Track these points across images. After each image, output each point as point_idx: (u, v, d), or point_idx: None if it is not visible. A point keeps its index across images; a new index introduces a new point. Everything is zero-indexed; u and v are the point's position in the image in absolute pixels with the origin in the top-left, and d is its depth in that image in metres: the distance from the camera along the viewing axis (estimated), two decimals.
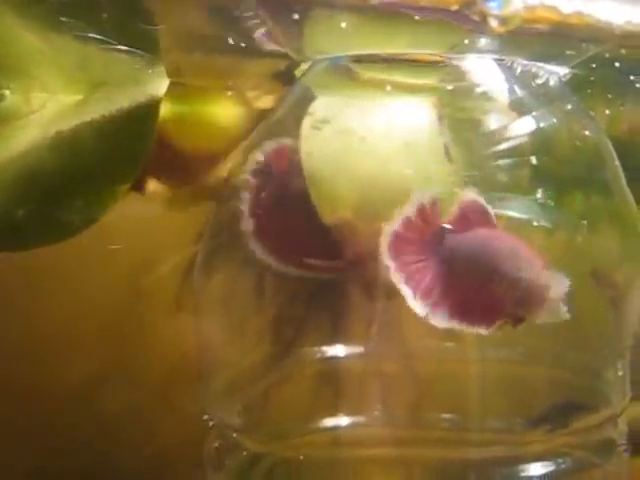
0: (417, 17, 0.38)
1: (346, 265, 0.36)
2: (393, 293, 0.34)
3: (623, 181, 0.39)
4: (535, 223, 0.36)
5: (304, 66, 0.41)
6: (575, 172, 0.38)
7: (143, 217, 0.43)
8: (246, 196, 0.38)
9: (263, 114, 0.43)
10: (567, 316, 0.32)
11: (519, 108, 0.38)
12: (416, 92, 0.39)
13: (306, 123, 0.38)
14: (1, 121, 0.38)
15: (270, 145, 0.39)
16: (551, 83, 0.40)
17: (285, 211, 0.38)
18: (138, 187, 0.42)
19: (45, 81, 0.38)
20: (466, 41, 0.39)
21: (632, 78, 0.44)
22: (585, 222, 0.37)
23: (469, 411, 0.37)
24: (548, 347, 0.35)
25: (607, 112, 0.45)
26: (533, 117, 0.38)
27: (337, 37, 0.39)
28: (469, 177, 0.36)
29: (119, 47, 0.37)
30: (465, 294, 0.33)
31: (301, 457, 0.38)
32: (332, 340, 0.39)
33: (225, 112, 0.44)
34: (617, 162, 0.39)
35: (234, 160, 0.41)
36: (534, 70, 0.40)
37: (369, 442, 0.38)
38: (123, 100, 0.38)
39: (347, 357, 0.38)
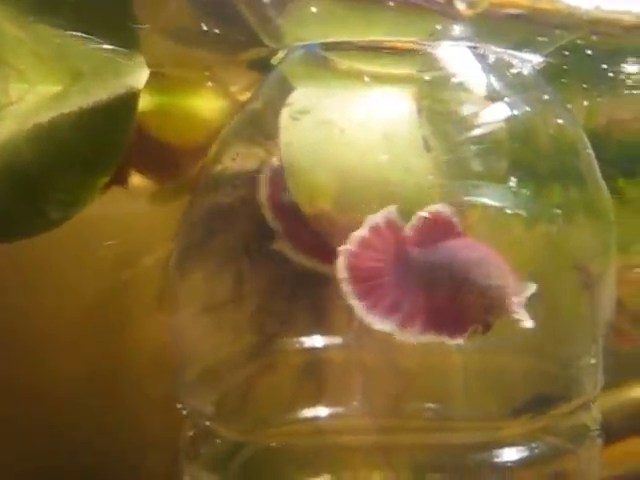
0: (391, 3, 0.38)
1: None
2: None
3: (597, 172, 0.40)
4: (509, 211, 0.37)
5: (281, 54, 0.41)
6: (552, 163, 0.39)
7: (127, 212, 0.43)
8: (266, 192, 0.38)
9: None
10: (530, 324, 0.32)
11: (496, 99, 0.39)
12: (394, 83, 0.39)
13: (285, 113, 0.38)
14: None
15: None
16: (525, 72, 0.41)
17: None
18: (122, 182, 0.42)
19: (23, 71, 0.38)
20: (438, 27, 0.39)
21: (604, 67, 0.44)
22: (562, 213, 0.38)
23: (450, 401, 0.38)
24: (528, 337, 0.36)
25: (585, 104, 0.45)
26: (507, 104, 0.38)
27: (313, 24, 0.39)
28: (444, 163, 0.36)
29: (98, 39, 0.37)
30: (437, 306, 0.33)
31: (282, 446, 0.38)
32: (314, 331, 0.39)
33: (207, 104, 0.44)
34: (591, 153, 0.40)
35: (211, 151, 0.41)
36: (508, 59, 0.40)
37: (350, 431, 0.38)
38: (102, 92, 0.37)
39: (329, 347, 0.38)
